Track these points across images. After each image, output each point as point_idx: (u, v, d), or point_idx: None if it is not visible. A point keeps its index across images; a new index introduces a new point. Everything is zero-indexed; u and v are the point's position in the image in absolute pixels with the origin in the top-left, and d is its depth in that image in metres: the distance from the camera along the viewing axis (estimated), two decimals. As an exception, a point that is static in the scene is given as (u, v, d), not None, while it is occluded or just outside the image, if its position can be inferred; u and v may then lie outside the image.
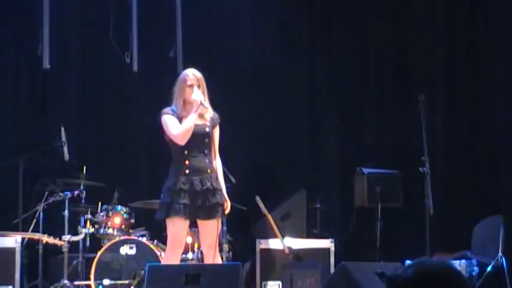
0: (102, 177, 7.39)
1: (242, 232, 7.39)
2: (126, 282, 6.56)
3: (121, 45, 8.04)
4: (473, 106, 8.20)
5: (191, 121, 5.56)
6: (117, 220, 6.97)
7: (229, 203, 5.71)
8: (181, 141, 5.57)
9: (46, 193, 7.00)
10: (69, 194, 6.96)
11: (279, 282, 6.81)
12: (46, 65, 7.86)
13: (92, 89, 8.08)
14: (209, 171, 5.63)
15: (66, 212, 6.92)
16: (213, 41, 8.22)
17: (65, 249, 6.70)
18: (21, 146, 7.73)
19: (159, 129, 5.76)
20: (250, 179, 7.30)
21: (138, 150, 8.05)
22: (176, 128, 5.59)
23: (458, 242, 7.40)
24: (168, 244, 5.73)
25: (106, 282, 6.57)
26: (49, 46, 7.86)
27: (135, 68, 8.04)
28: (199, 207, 5.56)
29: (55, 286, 6.74)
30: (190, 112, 5.60)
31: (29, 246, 6.97)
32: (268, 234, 7.04)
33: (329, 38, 8.41)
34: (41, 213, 6.93)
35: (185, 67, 8.06)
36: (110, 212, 6.98)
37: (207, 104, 5.66)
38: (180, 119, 5.61)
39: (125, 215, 7.01)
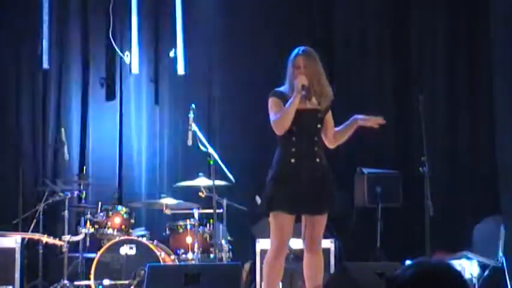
0: (102, 177, 7.39)
1: (242, 232, 7.39)
2: (126, 282, 6.55)
3: (121, 45, 8.05)
4: (473, 106, 8.20)
5: (289, 109, 4.94)
6: (117, 220, 6.97)
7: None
8: (278, 131, 5.02)
9: (46, 193, 7.00)
10: (69, 194, 6.96)
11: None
12: (46, 65, 7.86)
13: (91, 89, 8.07)
14: (318, 160, 5.05)
15: (66, 212, 6.92)
16: (213, 41, 8.22)
17: (65, 249, 6.69)
18: (21, 146, 7.73)
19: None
20: (250, 179, 7.28)
21: (138, 150, 8.04)
22: (274, 114, 5.04)
23: (458, 242, 7.40)
24: (271, 241, 5.19)
25: (106, 282, 6.57)
26: (49, 46, 7.87)
27: (134, 68, 8.04)
28: (307, 199, 4.95)
29: (55, 286, 6.74)
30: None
31: (29, 246, 6.97)
32: (268, 234, 7.02)
33: (328, 38, 8.40)
34: (41, 213, 6.93)
35: (185, 67, 8.14)
36: (110, 212, 6.97)
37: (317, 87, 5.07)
38: (287, 101, 5.00)
39: (124, 215, 7.00)
